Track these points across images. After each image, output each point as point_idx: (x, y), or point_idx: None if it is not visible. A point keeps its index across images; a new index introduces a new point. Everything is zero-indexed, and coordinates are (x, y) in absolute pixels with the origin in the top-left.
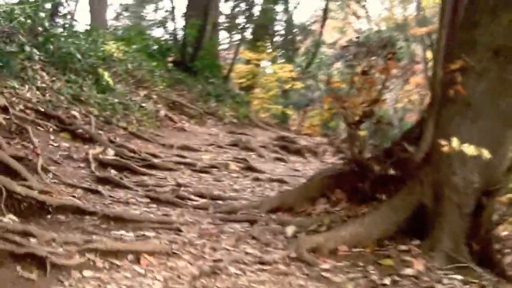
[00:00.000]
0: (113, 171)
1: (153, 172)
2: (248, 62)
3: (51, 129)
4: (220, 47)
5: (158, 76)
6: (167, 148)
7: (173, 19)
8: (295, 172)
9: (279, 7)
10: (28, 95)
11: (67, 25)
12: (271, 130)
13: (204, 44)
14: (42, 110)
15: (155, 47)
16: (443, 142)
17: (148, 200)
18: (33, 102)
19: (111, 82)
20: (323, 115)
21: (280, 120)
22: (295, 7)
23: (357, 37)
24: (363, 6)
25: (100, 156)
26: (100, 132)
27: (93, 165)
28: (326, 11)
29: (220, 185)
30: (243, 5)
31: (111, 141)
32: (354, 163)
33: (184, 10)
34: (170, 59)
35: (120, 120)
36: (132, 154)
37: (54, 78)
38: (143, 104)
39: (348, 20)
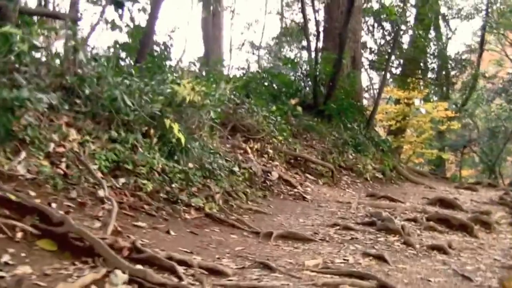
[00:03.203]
0: None
1: None
2: (397, 101)
3: (19, 234)
4: (363, 86)
5: (276, 124)
6: (261, 239)
7: (309, 54)
8: (465, 284)
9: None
10: (19, 168)
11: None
12: (425, 183)
13: (340, 82)
14: (17, 199)
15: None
16: None
17: None
18: (18, 181)
19: (183, 138)
20: None
21: (435, 165)
22: (448, 38)
23: None
24: None
25: None
26: (140, 225)
27: None
28: (482, 42)
29: None
30: (389, 35)
31: (136, 250)
32: None
33: (320, 44)
34: (293, 101)
35: (195, 196)
36: (162, 279)
37: (88, 138)
38: (241, 166)
39: (506, 52)
